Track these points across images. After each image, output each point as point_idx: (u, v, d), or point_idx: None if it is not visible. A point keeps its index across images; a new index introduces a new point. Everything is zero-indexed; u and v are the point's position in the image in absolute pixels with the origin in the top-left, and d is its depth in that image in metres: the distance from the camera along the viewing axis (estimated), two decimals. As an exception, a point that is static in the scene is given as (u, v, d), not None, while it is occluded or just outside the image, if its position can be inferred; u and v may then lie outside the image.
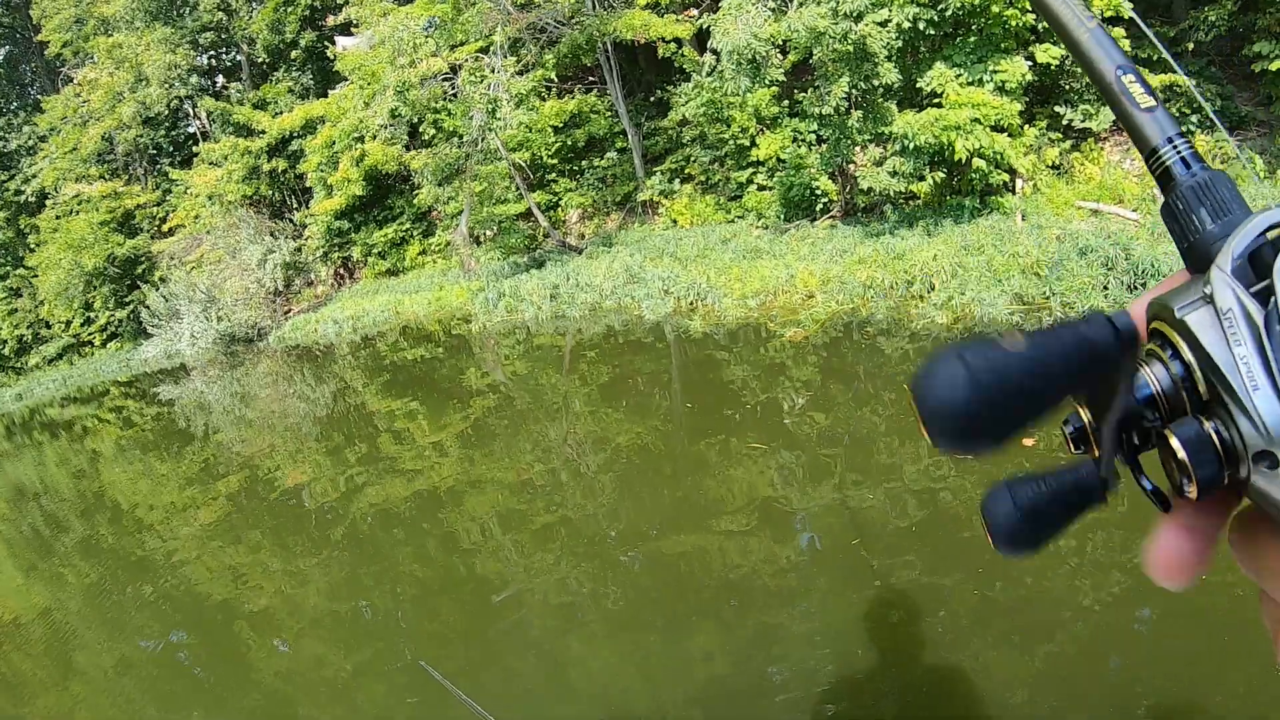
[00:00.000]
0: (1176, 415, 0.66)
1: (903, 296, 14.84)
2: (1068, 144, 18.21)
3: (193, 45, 35.81)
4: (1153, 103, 0.77)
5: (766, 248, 19.52)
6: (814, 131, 21.23)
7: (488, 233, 27.89)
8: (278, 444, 16.22)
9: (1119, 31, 16.85)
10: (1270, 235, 0.64)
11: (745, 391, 12.67)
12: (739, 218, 22.78)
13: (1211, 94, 16.97)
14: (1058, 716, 5.32)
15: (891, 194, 18.21)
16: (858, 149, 18.99)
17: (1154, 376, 0.67)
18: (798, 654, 6.37)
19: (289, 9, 33.81)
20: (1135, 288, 12.54)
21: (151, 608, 9.84)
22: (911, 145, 16.60)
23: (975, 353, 0.59)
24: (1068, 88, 18.25)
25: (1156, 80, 16.62)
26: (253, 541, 11.24)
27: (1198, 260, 0.71)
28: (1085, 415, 0.69)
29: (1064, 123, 18.12)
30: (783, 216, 21.34)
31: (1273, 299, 0.60)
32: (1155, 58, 17.47)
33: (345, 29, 29.22)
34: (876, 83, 17.68)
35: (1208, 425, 0.63)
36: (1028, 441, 7.68)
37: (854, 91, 17.94)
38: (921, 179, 17.21)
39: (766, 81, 18.87)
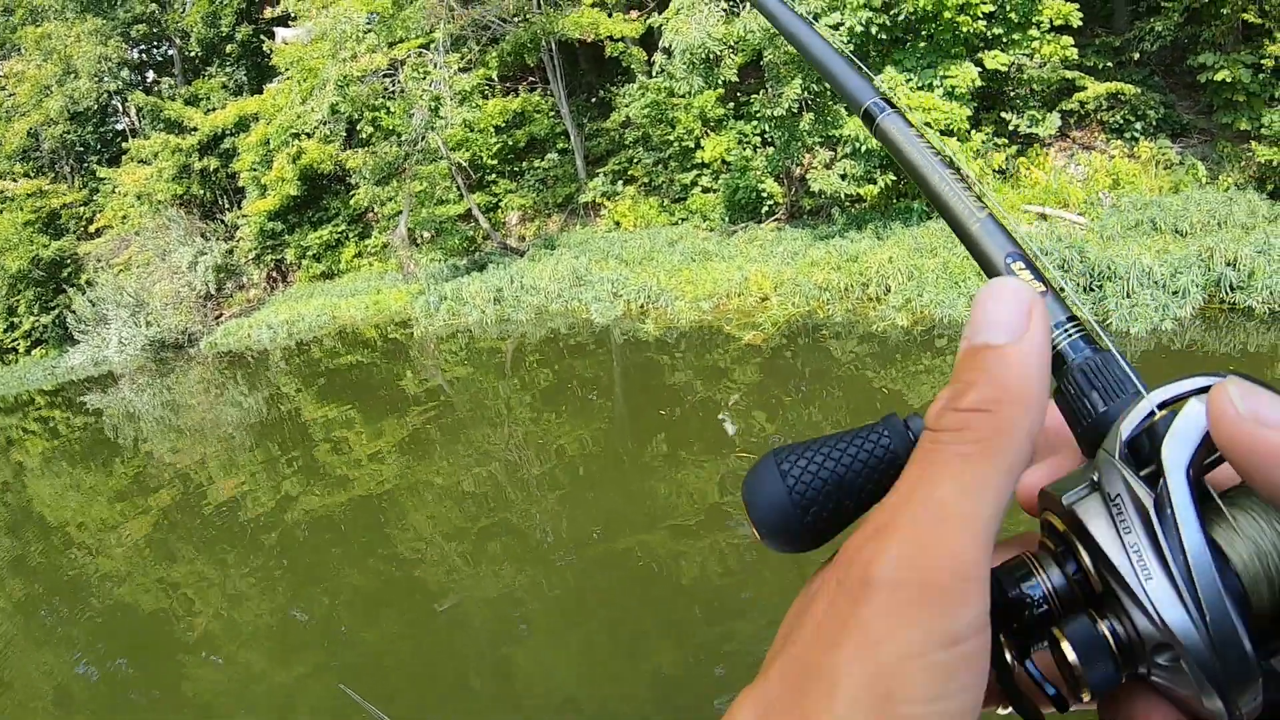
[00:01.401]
0: (1068, 609, 0.64)
1: (859, 299, 15.16)
2: (1013, 149, 18.66)
3: (124, 38, 35.18)
4: (1041, 288, 0.76)
5: (715, 250, 19.71)
6: (759, 134, 21.53)
7: (425, 234, 27.81)
8: (210, 454, 16.08)
9: (1067, 40, 17.46)
10: (1159, 414, 0.64)
11: (705, 396, 12.85)
12: (683, 220, 22.96)
13: (1155, 103, 17.58)
14: None
15: (841, 196, 18.53)
16: (807, 152, 19.26)
17: (1044, 575, 0.65)
18: (747, 651, 6.55)
19: (225, 1, 33.49)
20: (1092, 289, 12.98)
21: (83, 625, 9.74)
22: (863, 148, 16.92)
23: (792, 466, 0.66)
24: (1013, 94, 18.70)
25: (1103, 88, 17.22)
26: (186, 556, 11.17)
27: (1092, 445, 0.69)
28: None
29: (1010, 128, 18.57)
30: (727, 219, 21.58)
31: (1161, 481, 0.59)
32: (1101, 66, 18.07)
33: (283, 21, 28.99)
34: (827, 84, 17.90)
35: (1101, 624, 0.61)
36: None
37: (805, 94, 18.24)
38: (872, 181, 17.53)
39: (719, 81, 19.07)
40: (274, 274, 33.69)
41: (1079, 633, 0.61)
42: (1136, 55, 18.02)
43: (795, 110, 18.48)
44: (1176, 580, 0.56)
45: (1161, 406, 0.64)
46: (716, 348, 14.81)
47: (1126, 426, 0.64)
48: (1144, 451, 0.62)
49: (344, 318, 24.57)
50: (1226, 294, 12.37)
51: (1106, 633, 0.60)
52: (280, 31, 28.58)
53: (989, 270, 0.79)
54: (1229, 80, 16.19)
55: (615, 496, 9.98)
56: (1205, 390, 0.63)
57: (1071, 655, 0.60)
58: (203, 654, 8.45)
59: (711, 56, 18.33)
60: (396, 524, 10.65)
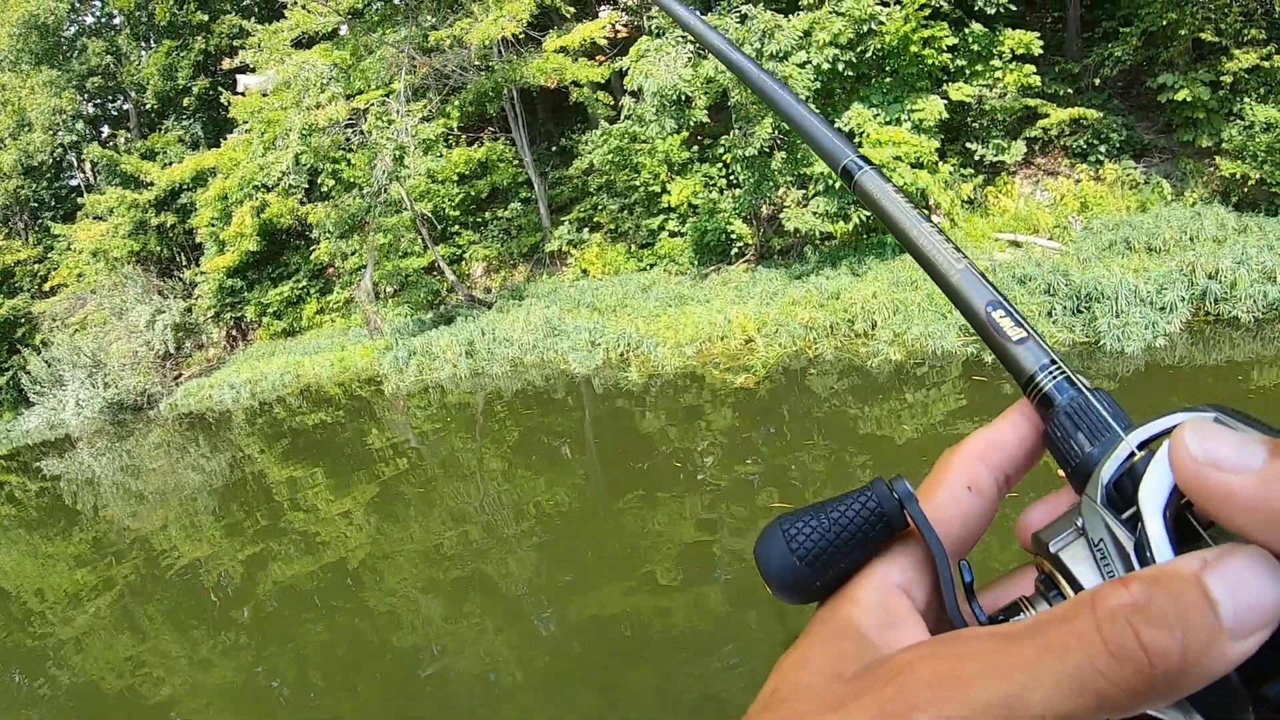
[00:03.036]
0: None
1: (846, 336, 15.34)
2: (980, 178, 19.06)
3: (79, 89, 35.25)
4: (1024, 334, 0.80)
5: (690, 293, 19.86)
6: (724, 176, 21.81)
7: (390, 289, 27.81)
8: (172, 519, 15.92)
9: (1029, 68, 17.96)
10: (1138, 456, 0.67)
11: (703, 444, 12.85)
12: (651, 265, 23.13)
13: (1116, 125, 18.21)
14: None
15: (816, 235, 18.77)
16: (779, 190, 19.48)
17: (1034, 614, 0.69)
18: (735, 704, 6.56)
19: (182, 53, 33.51)
20: (1081, 310, 13.34)
21: (44, 703, 9.58)
22: (837, 185, 17.13)
23: (794, 528, 0.74)
24: (977, 124, 19.09)
25: (1065, 114, 17.71)
26: (151, 624, 11.04)
27: (1078, 484, 0.73)
28: None
29: (976, 158, 18.97)
30: (697, 262, 21.76)
31: (1140, 524, 0.62)
32: (1061, 93, 18.57)
33: (241, 72, 29.10)
34: None
35: None
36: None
37: (776, 133, 18.51)
38: (846, 219, 17.77)
39: (689, 123, 19.28)
40: (234, 332, 33.51)
41: None
42: (1097, 80, 18.67)
43: (767, 150, 18.73)
44: None
45: (1141, 446, 0.67)
46: (706, 394, 14.84)
47: (1107, 471, 0.68)
48: (1127, 493, 0.66)
49: (308, 376, 24.43)
50: (1211, 306, 12.82)
51: None
52: (243, 79, 28.65)
53: (969, 317, 0.84)
54: (1189, 99, 16.83)
55: (608, 551, 9.98)
56: None
57: None
58: (170, 724, 8.37)
59: (682, 98, 18.55)
60: (369, 585, 10.58)
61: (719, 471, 11.63)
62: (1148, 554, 0.60)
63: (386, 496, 13.77)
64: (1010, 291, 14.24)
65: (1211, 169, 16.93)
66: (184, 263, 34.58)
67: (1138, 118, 18.95)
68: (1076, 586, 0.65)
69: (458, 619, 9.17)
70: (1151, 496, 0.62)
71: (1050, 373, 0.78)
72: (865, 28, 18.11)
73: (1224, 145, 16.64)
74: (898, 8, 18.03)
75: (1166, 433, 0.67)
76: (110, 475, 21.11)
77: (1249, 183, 16.08)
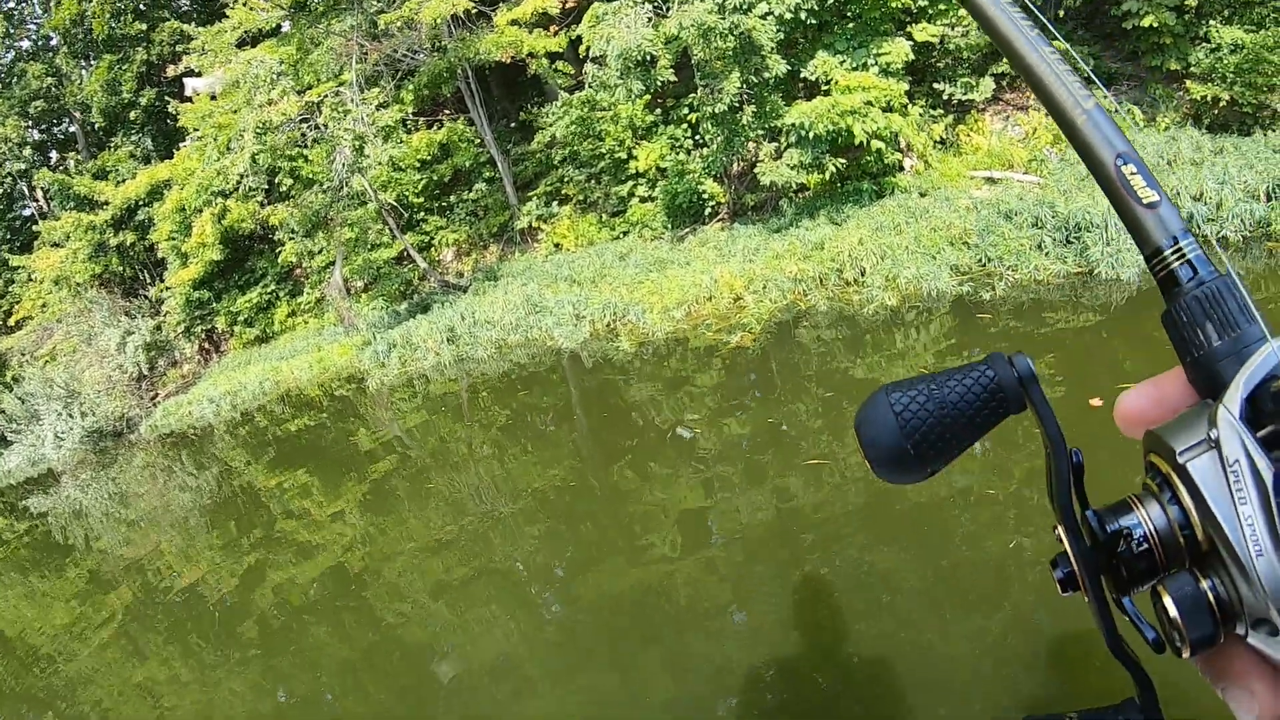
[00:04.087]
0: (1171, 558, 0.68)
1: (837, 285, 15.45)
2: (950, 118, 19.13)
3: (22, 115, 35.03)
4: (1156, 197, 0.77)
5: (669, 257, 19.89)
6: (690, 136, 21.82)
7: (359, 283, 27.74)
8: (166, 543, 15.93)
9: None
10: (1275, 383, 0.65)
11: (709, 407, 12.90)
12: (625, 233, 23.12)
13: (1084, 55, 18.15)
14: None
15: (792, 187, 18.83)
16: (751, 146, 19.48)
17: (1147, 516, 0.69)
18: (747, 666, 6.69)
19: (124, 66, 33.21)
20: (1071, 241, 13.57)
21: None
22: (810, 134, 17.18)
23: (903, 399, 0.73)
24: (943, 64, 19.18)
25: None
26: (156, 651, 11.07)
27: (1199, 377, 0.71)
28: (1071, 558, 0.73)
29: (944, 98, 19.04)
30: (670, 225, 21.77)
31: None
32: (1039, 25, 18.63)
33: (189, 75, 28.90)
34: (767, 75, 18.26)
35: (1204, 584, 0.65)
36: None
37: (744, 87, 18.47)
38: (821, 169, 17.81)
39: (656, 83, 19.25)
40: (206, 345, 33.32)
41: (1182, 590, 0.65)
42: (1061, 12, 18.75)
43: (736, 105, 18.70)
44: None
45: None
46: (702, 356, 14.87)
47: (1247, 380, 0.66)
48: (1265, 409, 0.64)
49: (288, 380, 24.34)
50: (1199, 227, 12.83)
51: (1208, 592, 0.64)
52: (190, 82, 28.32)
53: (1095, 172, 0.80)
54: (1154, 25, 16.94)
55: (613, 526, 10.04)
56: None
57: (1173, 611, 0.65)
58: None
59: (647, 58, 18.51)
60: (371, 585, 10.65)
61: (724, 433, 11.69)
62: None
63: (379, 494, 13.81)
64: (998, 227, 14.41)
65: (1181, 93, 17.18)
66: (148, 280, 34.33)
67: (1102, 47, 19.11)
68: (1202, 505, 0.65)
69: (464, 610, 9.24)
70: None
71: (1181, 249, 0.76)
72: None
73: (1192, 69, 16.88)
74: None
75: None
76: (98, 505, 21.05)
77: (1220, 104, 16.31)
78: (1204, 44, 16.92)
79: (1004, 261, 13.89)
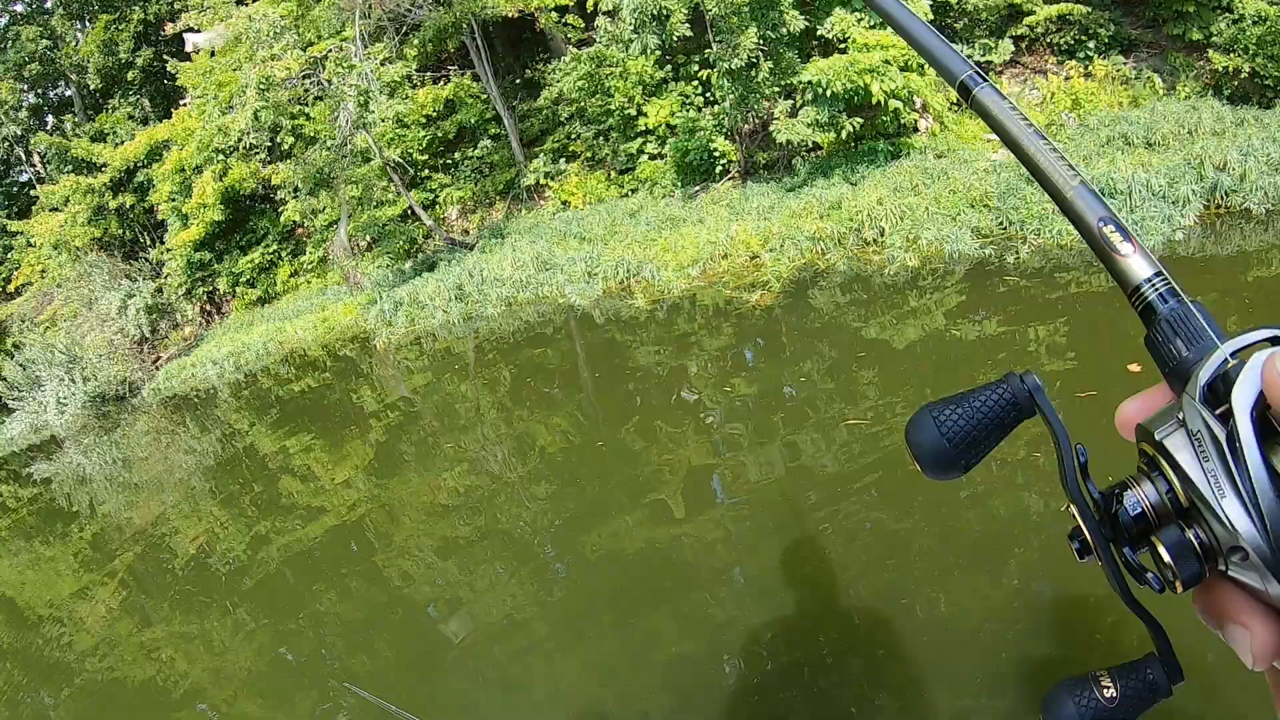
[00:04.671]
0: (1162, 519, 0.83)
1: (855, 245, 15.37)
2: (967, 80, 18.97)
3: (17, 78, 34.89)
4: (1131, 248, 0.93)
5: (682, 215, 19.80)
6: (701, 93, 21.66)
7: (362, 242, 27.65)
8: (171, 506, 15.96)
9: None
10: (1231, 362, 0.80)
11: (735, 365, 12.92)
12: (633, 190, 23.03)
13: (1103, 20, 18.26)
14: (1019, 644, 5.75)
15: (806, 145, 18.72)
16: (766, 102, 19.33)
17: (1143, 494, 0.84)
18: (753, 623, 6.68)
19: (121, 26, 33.04)
20: None
21: (69, 705, 9.66)
22: (827, 92, 17.04)
23: (942, 413, 0.91)
24: (960, 25, 19.00)
25: (1054, 10, 17.68)
26: (163, 615, 11.10)
27: (1175, 382, 0.87)
28: (1084, 529, 0.87)
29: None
30: (680, 183, 21.65)
31: (1231, 420, 0.76)
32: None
33: (189, 32, 28.70)
34: (783, 30, 18.11)
35: (1188, 531, 0.80)
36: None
37: (760, 42, 18.30)
38: (838, 128, 17.68)
39: (672, 37, 19.07)
40: (208, 307, 33.32)
41: (1171, 538, 0.80)
42: None
43: (753, 61, 18.54)
44: (1244, 497, 0.75)
45: (1234, 355, 0.81)
46: (722, 313, 14.80)
47: (1204, 373, 0.81)
48: (1220, 393, 0.79)
49: (292, 341, 24.36)
50: (1222, 199, 13.06)
51: (1192, 538, 0.79)
52: (190, 37, 28.02)
53: (1082, 231, 0.97)
54: None
55: (636, 487, 10.01)
56: (1272, 340, 0.81)
57: (1166, 556, 0.80)
58: (197, 709, 8.47)
59: (663, 12, 18.34)
60: (377, 547, 10.67)
61: (752, 393, 11.66)
62: (1237, 444, 0.75)
63: (385, 454, 13.83)
64: (1019, 190, 14.35)
65: (1202, 63, 17.16)
66: (148, 243, 34.27)
67: (1123, 13, 18.98)
68: (1177, 468, 0.80)
69: (470, 570, 9.23)
70: (1241, 399, 0.76)
71: (1154, 284, 0.91)
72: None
73: (1214, 39, 16.85)
74: None
75: (1256, 344, 0.81)
76: (102, 470, 21.12)
77: (1240, 76, 16.36)
78: (1227, 14, 16.83)
79: (1027, 226, 13.81)
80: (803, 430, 9.87)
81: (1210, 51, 16.83)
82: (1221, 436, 0.77)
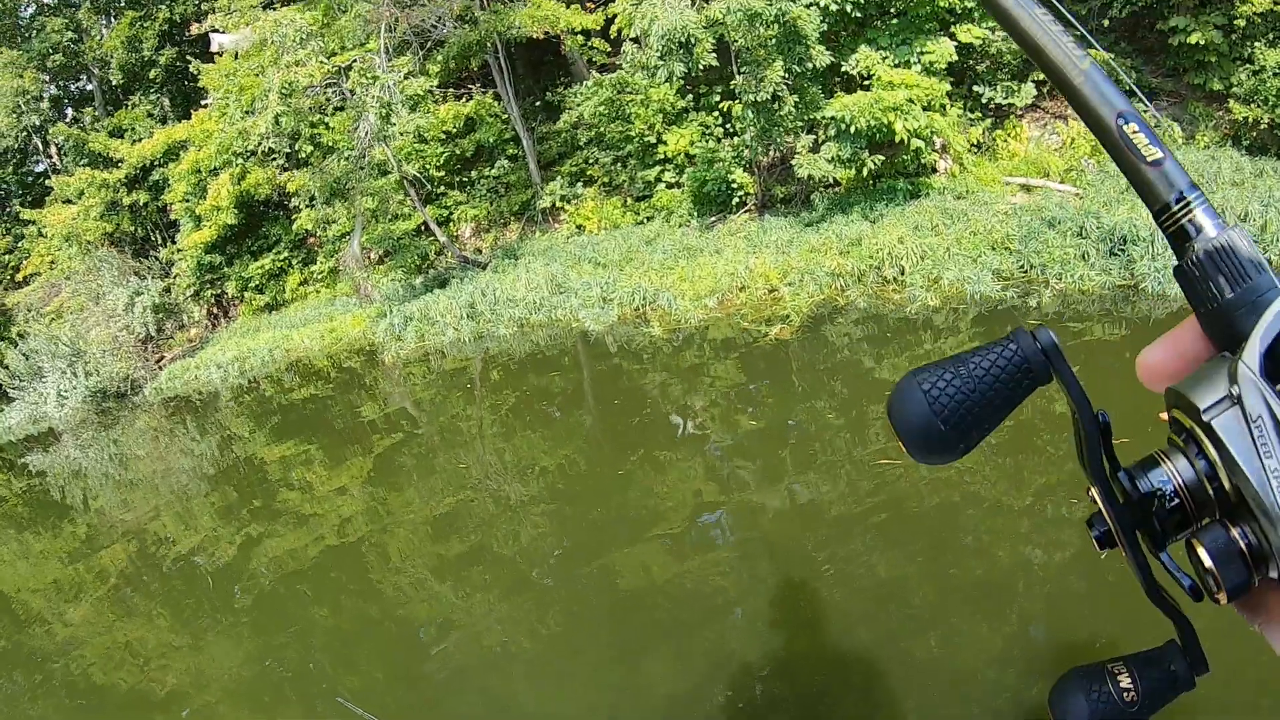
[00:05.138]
0: (1201, 509, 0.71)
1: (875, 283, 15.40)
2: (988, 122, 19.11)
3: (40, 68, 35.04)
4: (1160, 155, 0.78)
5: (699, 245, 19.80)
6: (721, 124, 21.79)
7: (374, 254, 27.70)
8: (164, 507, 15.96)
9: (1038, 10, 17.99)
10: None
11: (750, 401, 12.87)
12: (649, 218, 23.07)
13: (1126, 68, 18.31)
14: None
15: (826, 181, 18.86)
16: (789, 136, 19.44)
17: (1175, 469, 0.72)
18: (748, 658, 6.69)
19: (146, 24, 33.19)
20: (1116, 253, 13.54)
21: (47, 700, 9.63)
22: (850, 128, 17.15)
23: (932, 381, 0.75)
24: (983, 68, 19.17)
25: None
26: (149, 615, 11.11)
27: (1215, 330, 0.74)
28: (1108, 516, 0.75)
29: (983, 101, 19.03)
30: (696, 213, 21.73)
31: None
32: (1072, 34, 18.74)
33: (207, 40, 28.86)
34: (810, 65, 18.25)
35: (1234, 532, 0.68)
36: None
37: (787, 75, 18.43)
38: (860, 165, 17.79)
39: (698, 66, 19.20)
40: (215, 310, 33.28)
41: (1215, 542, 0.68)
42: (1106, 22, 18.81)
43: (778, 94, 18.64)
44: None
45: None
46: (740, 345, 14.79)
47: (1264, 335, 0.69)
48: (1278, 370, 0.68)
49: (299, 349, 24.35)
50: None
51: (1239, 540, 0.68)
52: (217, 37, 28.18)
53: (1098, 132, 0.81)
54: (1201, 42, 17.06)
55: (656, 516, 10.03)
56: None
57: (1208, 561, 0.68)
58: (179, 713, 8.46)
59: (691, 40, 18.45)
60: (371, 561, 10.67)
61: (763, 428, 11.67)
62: None
63: (385, 468, 13.84)
64: (1041, 234, 14.44)
65: (1221, 113, 17.35)
66: (159, 241, 34.29)
67: (1144, 60, 19.17)
68: (1229, 460, 0.67)
69: (464, 591, 9.24)
70: None
71: (1188, 204, 0.77)
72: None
73: (1234, 89, 17.03)
74: None
75: None
76: (98, 466, 21.12)
77: (1260, 127, 16.54)
78: (1247, 65, 17.01)
79: (1048, 270, 13.87)
80: (812, 469, 9.90)
81: (1231, 102, 17.02)
82: None
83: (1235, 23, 16.95)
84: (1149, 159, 0.78)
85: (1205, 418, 0.68)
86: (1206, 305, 0.74)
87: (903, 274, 15.22)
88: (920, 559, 7.48)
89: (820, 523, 8.58)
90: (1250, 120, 16.54)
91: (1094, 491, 0.76)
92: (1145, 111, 17.65)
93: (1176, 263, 0.78)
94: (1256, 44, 16.96)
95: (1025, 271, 14.23)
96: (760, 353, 14.18)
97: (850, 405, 11.67)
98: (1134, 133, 0.78)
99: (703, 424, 12.37)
